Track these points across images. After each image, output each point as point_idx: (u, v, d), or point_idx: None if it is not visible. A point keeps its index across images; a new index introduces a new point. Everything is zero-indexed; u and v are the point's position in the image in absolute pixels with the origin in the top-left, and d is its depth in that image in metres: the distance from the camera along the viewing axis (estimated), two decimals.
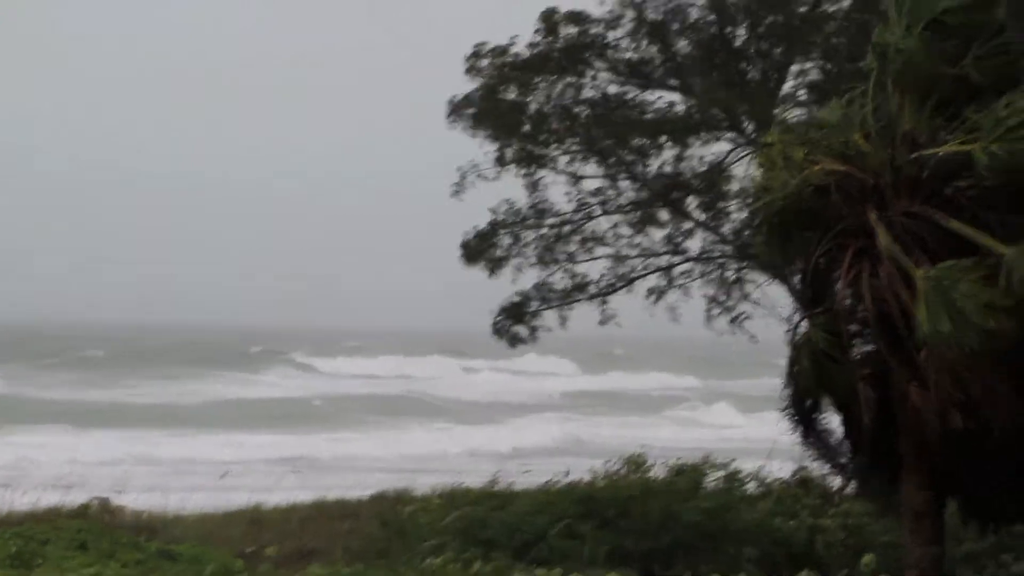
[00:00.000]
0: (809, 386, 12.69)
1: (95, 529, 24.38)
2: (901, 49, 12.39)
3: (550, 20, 36.18)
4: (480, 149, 36.91)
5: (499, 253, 36.98)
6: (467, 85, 36.80)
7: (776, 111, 36.20)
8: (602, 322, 38.08)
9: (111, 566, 22.12)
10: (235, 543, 25.45)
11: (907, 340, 12.12)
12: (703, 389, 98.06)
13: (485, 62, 36.18)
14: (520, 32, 36.16)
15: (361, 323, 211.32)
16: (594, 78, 36.95)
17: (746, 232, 37.18)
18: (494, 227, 36.99)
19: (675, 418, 75.81)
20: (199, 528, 27.75)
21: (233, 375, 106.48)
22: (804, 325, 13.13)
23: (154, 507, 28.92)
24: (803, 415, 12.89)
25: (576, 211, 37.81)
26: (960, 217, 12.23)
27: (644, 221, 38.34)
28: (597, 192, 37.92)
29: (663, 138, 37.21)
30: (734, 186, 38.13)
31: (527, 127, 36.87)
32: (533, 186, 37.47)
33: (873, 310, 12.26)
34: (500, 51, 36.25)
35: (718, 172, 37.78)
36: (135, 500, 29.20)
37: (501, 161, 37.15)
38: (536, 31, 35.92)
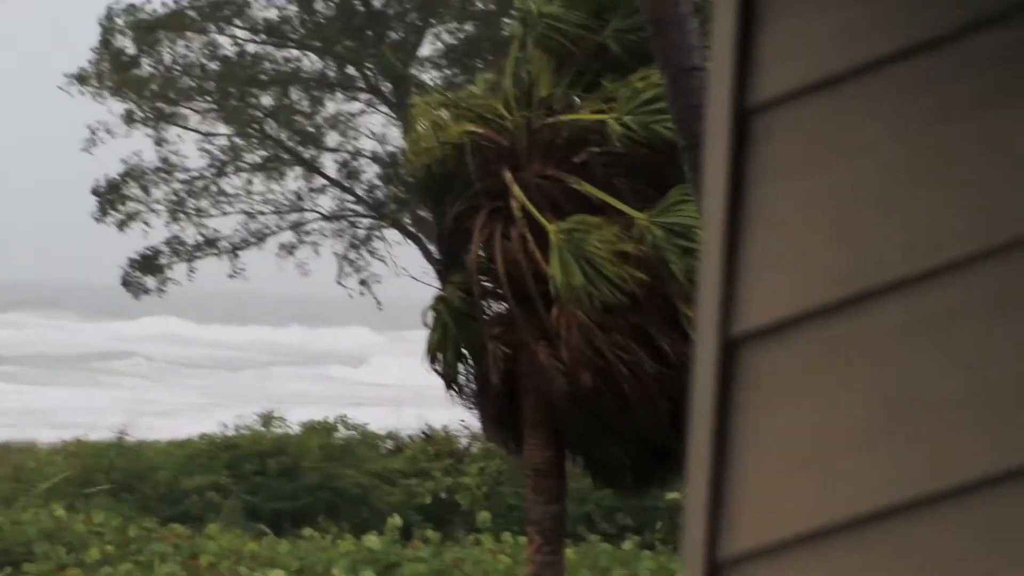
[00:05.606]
0: (449, 343, 12.88)
1: None
2: (543, 13, 12.64)
3: None
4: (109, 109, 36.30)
5: (129, 207, 36.34)
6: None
7: (412, 72, 36.53)
8: (231, 275, 37.81)
9: None
10: None
11: (537, 300, 12.39)
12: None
13: (120, 20, 35.49)
14: None
15: None
16: (232, 37, 36.57)
17: (379, 191, 37.53)
18: (124, 177, 36.30)
19: None
20: None
21: None
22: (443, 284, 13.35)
23: None
24: (448, 372, 13.06)
25: (208, 167, 37.37)
26: (593, 182, 12.59)
27: (275, 178, 38.15)
28: (229, 149, 37.54)
29: (296, 96, 37.19)
30: (367, 145, 38.32)
31: (155, 85, 36.28)
32: (161, 142, 36.93)
33: (503, 270, 12.48)
34: (133, 9, 35.60)
35: (350, 129, 37.91)
36: None
37: (129, 119, 36.49)
38: None
